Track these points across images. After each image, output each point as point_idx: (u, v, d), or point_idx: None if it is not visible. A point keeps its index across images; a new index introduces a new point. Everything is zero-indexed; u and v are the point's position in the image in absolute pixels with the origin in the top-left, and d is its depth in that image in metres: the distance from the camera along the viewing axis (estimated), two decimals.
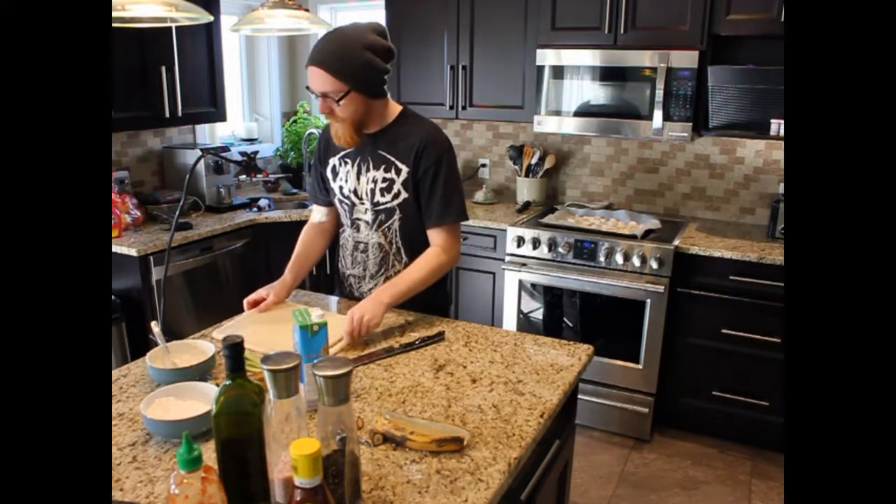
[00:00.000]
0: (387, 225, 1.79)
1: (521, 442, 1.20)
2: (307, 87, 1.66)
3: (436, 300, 1.86)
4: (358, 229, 1.84)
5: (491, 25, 3.20)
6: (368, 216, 1.80)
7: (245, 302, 1.79)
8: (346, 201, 1.83)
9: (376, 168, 1.75)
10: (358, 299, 1.87)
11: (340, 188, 1.84)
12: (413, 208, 1.75)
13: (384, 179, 1.75)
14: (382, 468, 1.11)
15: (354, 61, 1.58)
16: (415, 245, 1.79)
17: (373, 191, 1.77)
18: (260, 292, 1.80)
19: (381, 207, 1.78)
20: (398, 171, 1.73)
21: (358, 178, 1.79)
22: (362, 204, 1.80)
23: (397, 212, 1.77)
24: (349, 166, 1.80)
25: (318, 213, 1.99)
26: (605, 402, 2.93)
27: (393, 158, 1.73)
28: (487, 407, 1.32)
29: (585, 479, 2.64)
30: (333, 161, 1.84)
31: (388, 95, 1.75)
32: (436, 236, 1.76)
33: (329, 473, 0.95)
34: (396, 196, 1.75)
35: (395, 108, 1.76)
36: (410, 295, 1.70)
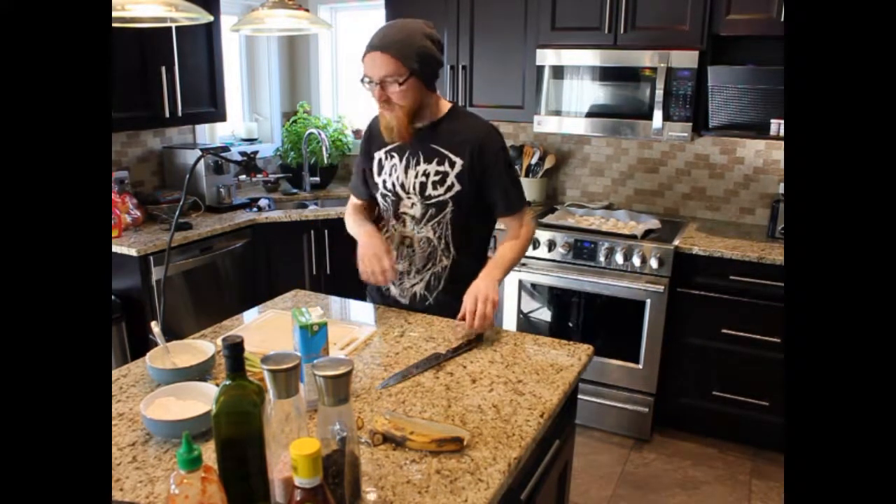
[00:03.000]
0: (437, 219, 1.78)
1: (521, 442, 1.20)
2: (362, 80, 1.68)
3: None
4: (404, 224, 1.82)
5: (491, 25, 3.20)
6: (416, 210, 1.79)
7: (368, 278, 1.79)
8: (391, 195, 1.82)
9: (428, 161, 1.76)
10: (393, 300, 1.88)
11: (384, 182, 1.83)
12: (466, 201, 1.76)
13: (437, 173, 1.75)
14: (382, 468, 1.11)
15: (417, 47, 1.62)
16: (465, 238, 1.80)
17: (423, 184, 1.77)
18: (374, 265, 1.75)
19: (433, 201, 1.76)
20: (452, 164, 1.74)
21: (406, 172, 1.79)
22: (409, 198, 1.79)
23: (450, 205, 1.76)
24: (396, 160, 1.80)
25: (356, 204, 2.00)
26: (605, 402, 2.93)
27: (447, 152, 1.74)
28: (487, 407, 1.32)
29: (585, 479, 2.64)
30: (379, 155, 1.84)
31: (438, 92, 1.78)
32: (512, 221, 1.83)
33: (329, 473, 0.95)
34: (450, 189, 1.75)
35: (445, 105, 1.79)
36: (511, 270, 1.83)
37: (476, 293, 1.64)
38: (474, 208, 1.78)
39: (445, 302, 1.81)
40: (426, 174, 1.76)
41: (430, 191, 1.76)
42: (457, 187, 1.74)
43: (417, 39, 1.63)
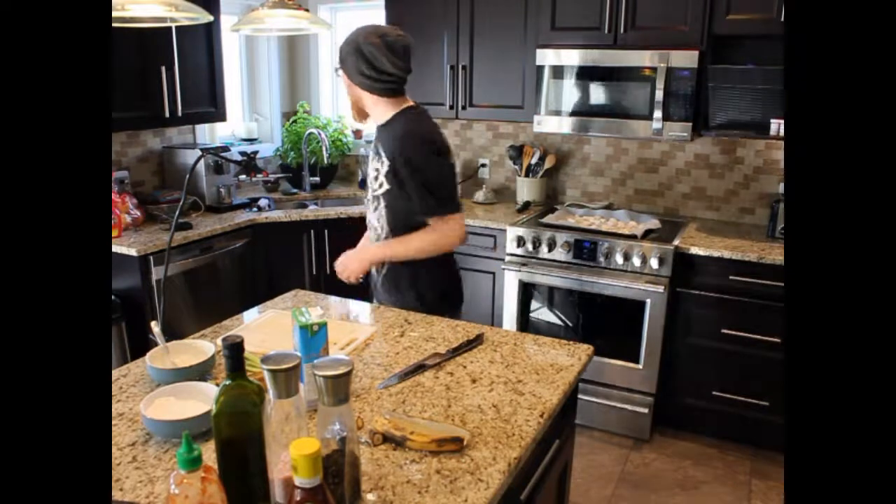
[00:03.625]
0: (378, 210, 1.95)
1: (521, 442, 1.20)
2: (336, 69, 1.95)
3: (447, 291, 2.00)
4: (370, 210, 2.01)
5: (491, 25, 3.20)
6: (371, 201, 1.99)
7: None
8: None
9: (375, 158, 1.93)
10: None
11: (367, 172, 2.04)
12: (392, 199, 1.89)
13: (375, 169, 1.93)
14: (382, 468, 1.11)
15: (345, 52, 1.85)
16: (400, 231, 1.91)
17: (372, 178, 1.95)
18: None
19: (374, 194, 1.96)
20: (382, 163, 1.89)
21: (369, 164, 1.99)
22: (369, 188, 1.99)
23: (381, 200, 1.92)
24: (371, 152, 1.99)
25: None
26: (605, 402, 2.93)
27: (382, 152, 1.89)
28: (487, 407, 1.32)
29: (585, 479, 2.64)
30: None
31: (398, 96, 1.90)
32: (430, 221, 1.88)
33: (329, 473, 0.95)
34: (381, 185, 1.91)
35: (400, 106, 1.90)
36: (391, 259, 1.94)
37: (345, 256, 1.99)
38: (406, 205, 1.87)
39: (384, 288, 2.00)
40: (375, 169, 1.93)
41: (373, 184, 1.95)
42: (385, 185, 1.89)
43: (350, 44, 1.83)
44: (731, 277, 2.67)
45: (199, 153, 2.40)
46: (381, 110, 1.89)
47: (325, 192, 3.85)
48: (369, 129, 4.11)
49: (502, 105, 3.26)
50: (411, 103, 1.92)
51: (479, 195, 3.54)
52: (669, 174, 3.29)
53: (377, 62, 1.79)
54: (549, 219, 3.05)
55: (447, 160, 1.88)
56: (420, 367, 1.48)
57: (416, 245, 1.87)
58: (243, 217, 3.18)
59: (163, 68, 2.95)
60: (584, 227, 2.94)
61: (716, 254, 2.66)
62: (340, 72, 1.90)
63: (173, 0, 1.56)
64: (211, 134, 3.82)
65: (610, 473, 2.68)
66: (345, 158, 4.12)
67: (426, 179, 1.82)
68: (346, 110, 4.23)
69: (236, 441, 0.97)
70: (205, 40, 3.18)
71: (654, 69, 2.80)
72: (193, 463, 0.84)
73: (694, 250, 2.70)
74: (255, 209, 3.30)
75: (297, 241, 3.30)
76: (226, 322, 1.78)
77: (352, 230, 3.36)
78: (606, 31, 2.89)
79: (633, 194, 3.40)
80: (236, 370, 0.96)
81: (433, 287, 1.94)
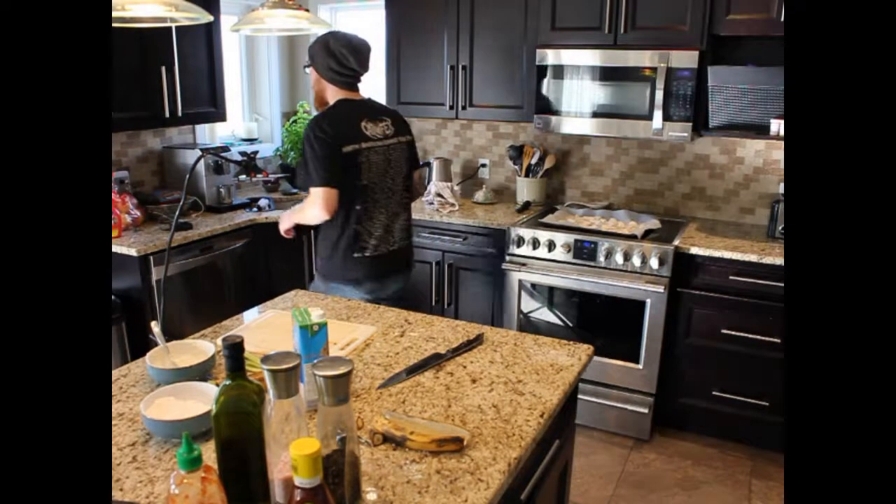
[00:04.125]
0: None
1: (521, 442, 1.20)
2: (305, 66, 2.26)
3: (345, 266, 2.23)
4: None
5: (491, 25, 3.20)
6: None
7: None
8: None
9: None
10: None
11: None
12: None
13: None
14: (382, 468, 1.11)
15: (316, 51, 2.17)
16: None
17: None
18: None
19: None
20: None
21: None
22: None
23: None
24: None
25: None
26: (605, 402, 2.93)
27: None
28: (487, 407, 1.32)
29: (585, 479, 2.64)
30: None
31: (353, 90, 2.21)
32: None
33: (329, 473, 0.95)
34: None
35: (355, 98, 2.22)
36: (297, 221, 2.25)
37: (282, 213, 2.32)
38: (304, 175, 2.16)
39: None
40: None
41: None
42: None
43: (321, 45, 2.16)
44: (731, 277, 2.67)
45: (199, 153, 2.40)
46: (330, 97, 2.22)
47: None
48: None
49: (502, 105, 3.26)
50: (361, 97, 2.23)
51: (479, 195, 3.54)
52: (669, 174, 3.29)
53: (344, 60, 2.13)
54: (549, 219, 3.05)
55: (331, 142, 2.08)
56: (420, 368, 1.48)
57: (300, 212, 2.20)
58: (243, 217, 3.18)
59: (163, 68, 2.95)
60: (584, 228, 2.94)
61: (716, 254, 2.66)
62: (310, 68, 2.21)
63: (173, 0, 1.56)
64: (211, 134, 3.82)
65: (610, 473, 2.69)
66: None
67: (304, 155, 2.12)
68: None
69: (236, 441, 0.97)
70: (205, 40, 3.18)
71: (654, 69, 2.80)
72: (193, 463, 0.84)
73: (694, 250, 2.70)
74: (255, 209, 3.30)
75: (296, 242, 3.30)
76: (226, 322, 1.78)
77: None
78: (606, 32, 2.89)
79: (633, 194, 3.40)
80: (236, 370, 0.96)
81: (325, 249, 2.24)
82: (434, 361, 1.51)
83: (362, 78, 2.22)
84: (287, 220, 2.29)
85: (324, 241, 2.24)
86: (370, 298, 2.22)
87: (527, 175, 3.48)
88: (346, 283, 2.21)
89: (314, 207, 2.10)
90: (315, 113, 2.23)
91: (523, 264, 2.98)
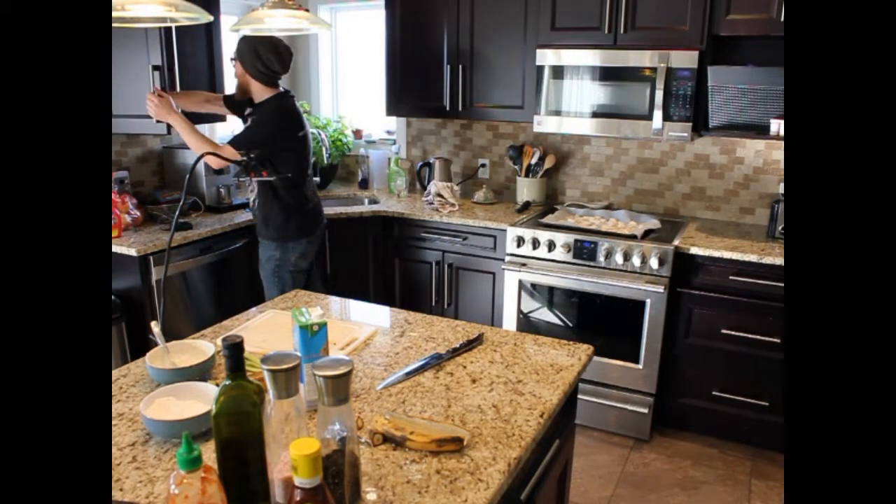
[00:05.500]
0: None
1: (521, 442, 1.20)
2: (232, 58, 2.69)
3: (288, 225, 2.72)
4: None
5: (491, 25, 3.20)
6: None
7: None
8: None
9: (245, 120, 2.74)
10: None
11: None
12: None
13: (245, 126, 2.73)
14: (382, 468, 1.11)
15: (244, 49, 2.56)
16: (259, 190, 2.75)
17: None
18: None
19: None
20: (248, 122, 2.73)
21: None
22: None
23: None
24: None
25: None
26: (605, 402, 2.93)
27: (251, 117, 2.69)
28: (487, 407, 1.32)
29: (585, 479, 2.64)
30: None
31: (274, 86, 2.66)
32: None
33: (329, 473, 0.95)
34: None
35: (275, 91, 2.66)
36: (180, 133, 2.61)
37: (166, 99, 2.63)
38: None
39: (258, 222, 2.79)
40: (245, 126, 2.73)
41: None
42: None
43: (249, 45, 2.54)
44: (731, 277, 2.67)
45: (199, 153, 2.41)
46: (260, 94, 2.65)
47: (325, 192, 3.85)
48: (369, 129, 4.14)
49: (502, 105, 3.26)
50: (281, 90, 2.68)
51: (479, 195, 3.54)
52: (669, 174, 3.29)
53: (269, 62, 2.56)
54: (549, 219, 3.05)
55: (270, 129, 2.58)
56: (420, 368, 1.48)
57: (197, 139, 2.59)
58: (243, 217, 3.18)
59: (163, 68, 2.94)
60: (584, 227, 2.94)
61: (716, 254, 2.66)
62: (236, 62, 2.59)
63: (173, 0, 1.56)
64: (211, 134, 3.81)
65: (610, 473, 2.69)
66: (345, 159, 4.12)
67: (248, 127, 2.64)
68: (346, 110, 4.25)
69: (236, 441, 0.97)
70: (205, 40, 3.18)
71: (654, 69, 2.80)
72: (193, 463, 0.84)
73: (694, 250, 2.70)
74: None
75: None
76: (226, 322, 1.78)
77: (352, 230, 3.36)
78: (606, 32, 2.89)
79: (633, 194, 3.40)
80: (236, 370, 0.96)
81: (276, 220, 2.71)
82: (434, 361, 1.51)
83: (282, 76, 2.68)
84: (175, 121, 2.58)
85: (281, 214, 2.72)
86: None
87: (527, 175, 3.48)
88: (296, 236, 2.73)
89: (217, 156, 2.53)
90: (232, 95, 2.76)
91: (523, 264, 2.98)
